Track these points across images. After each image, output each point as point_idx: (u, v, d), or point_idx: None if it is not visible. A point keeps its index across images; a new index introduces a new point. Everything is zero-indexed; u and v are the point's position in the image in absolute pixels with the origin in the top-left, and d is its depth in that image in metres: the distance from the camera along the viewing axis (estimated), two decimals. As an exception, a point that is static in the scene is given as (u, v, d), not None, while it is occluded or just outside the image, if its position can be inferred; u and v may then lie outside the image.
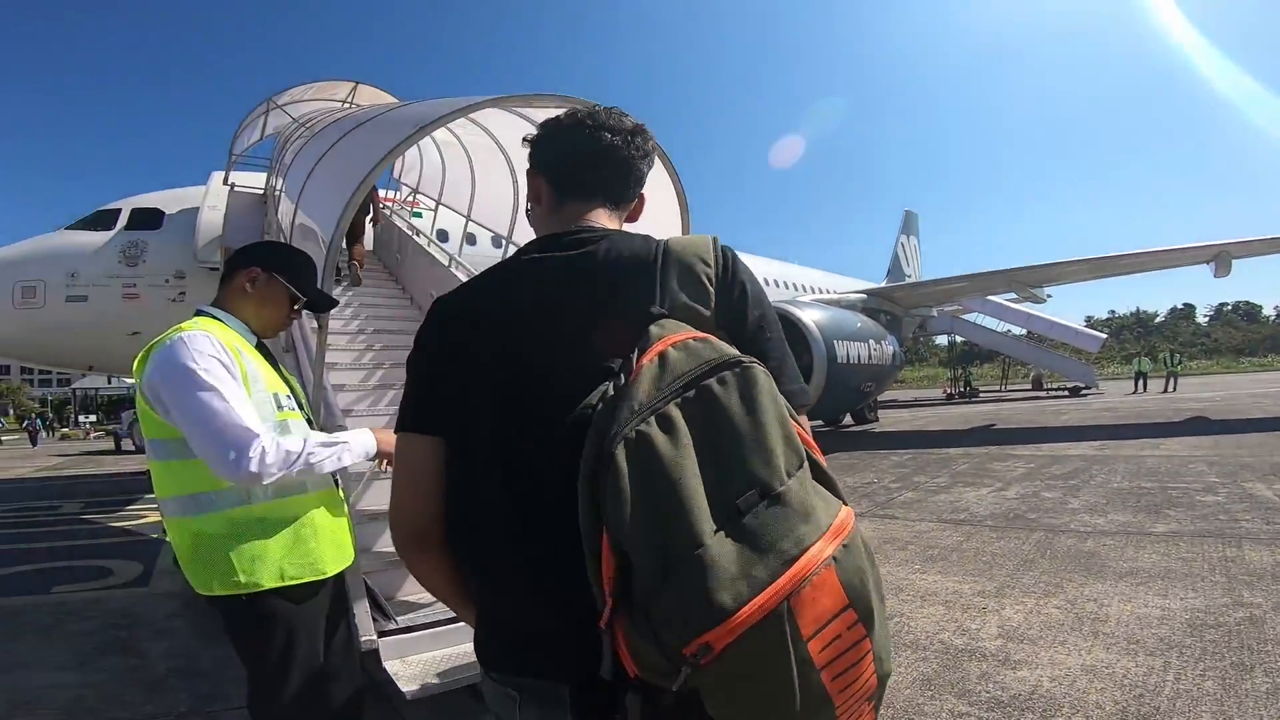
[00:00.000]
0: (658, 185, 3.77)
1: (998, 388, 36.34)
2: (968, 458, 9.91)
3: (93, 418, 40.40)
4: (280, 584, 1.67)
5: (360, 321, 6.15)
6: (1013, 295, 19.26)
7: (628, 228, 1.08)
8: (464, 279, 4.99)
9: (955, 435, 13.62)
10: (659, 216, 3.89)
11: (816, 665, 0.68)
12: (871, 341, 12.53)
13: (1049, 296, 17.80)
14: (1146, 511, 5.60)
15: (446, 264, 6.55)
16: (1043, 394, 29.02)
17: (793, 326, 11.21)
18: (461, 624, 2.90)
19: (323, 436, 1.75)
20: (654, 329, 0.83)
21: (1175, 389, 25.47)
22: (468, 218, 6.60)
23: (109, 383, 33.93)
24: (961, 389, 33.44)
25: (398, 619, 2.89)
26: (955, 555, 4.71)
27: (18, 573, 5.45)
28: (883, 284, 24.60)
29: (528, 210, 1.13)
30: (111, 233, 8.75)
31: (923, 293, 18.38)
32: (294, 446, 1.64)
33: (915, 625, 3.44)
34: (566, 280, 0.93)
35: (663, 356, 0.78)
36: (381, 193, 10.16)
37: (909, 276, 29.01)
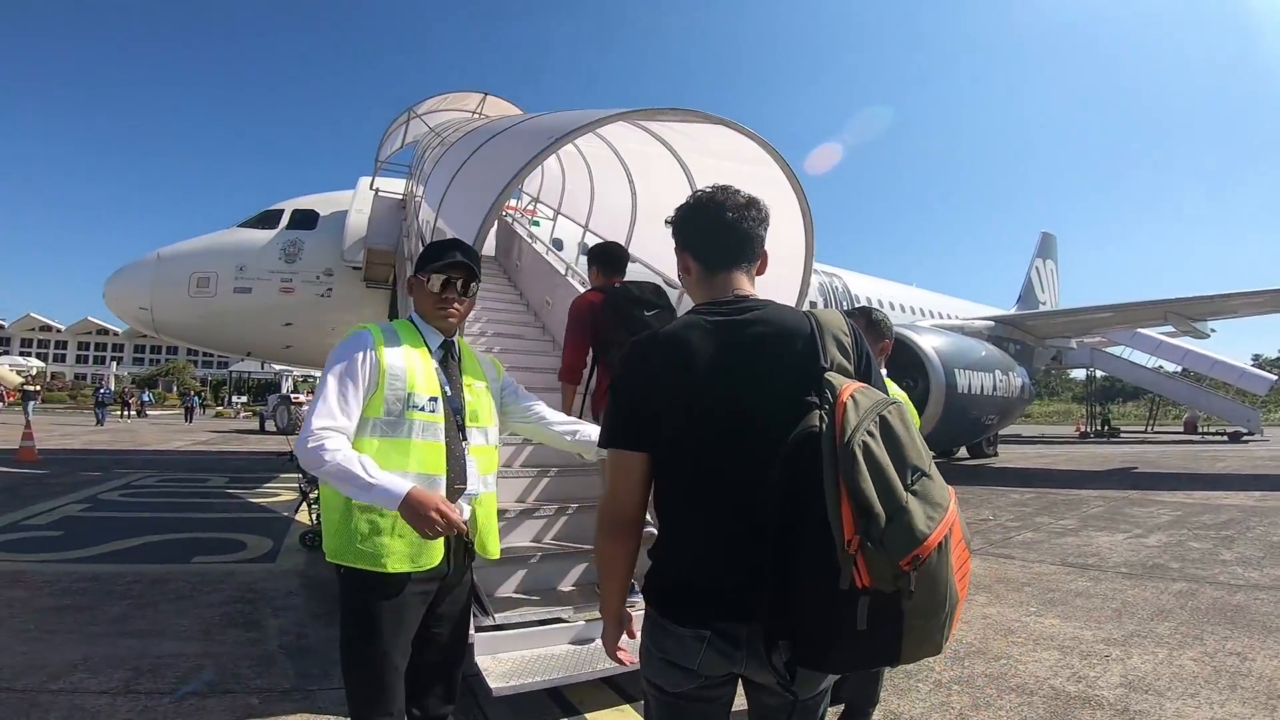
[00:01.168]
0: (785, 215, 3.92)
1: (1143, 429, 32.84)
2: (1103, 500, 9.13)
3: (244, 399, 44.89)
4: (358, 565, 1.84)
5: (481, 324, 6.65)
6: (1168, 328, 17.44)
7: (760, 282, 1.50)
8: (578, 286, 5.14)
9: (1088, 476, 12.54)
10: (788, 238, 4.04)
11: (954, 569, 1.12)
12: (997, 372, 11.86)
13: (1213, 331, 15.94)
14: (1316, 570, 5.00)
15: (563, 272, 6.86)
16: (1196, 438, 25.97)
17: (909, 351, 10.83)
18: (554, 626, 3.09)
19: (354, 460, 1.77)
20: (831, 378, 1.26)
21: None
22: (585, 228, 6.95)
23: (261, 368, 37.40)
24: (1099, 427, 30.49)
25: (495, 615, 3.02)
26: (1079, 600, 4.42)
27: (167, 540, 5.90)
28: (1013, 311, 23.03)
29: (681, 277, 1.53)
30: (274, 231, 9.70)
31: (1059, 322, 17.04)
32: (324, 451, 1.75)
33: (1024, 669, 3.28)
34: (755, 342, 1.34)
35: (853, 397, 1.20)
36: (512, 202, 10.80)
37: (1043, 304, 26.92)
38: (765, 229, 1.47)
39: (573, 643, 3.08)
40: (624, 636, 1.49)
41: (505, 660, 2.88)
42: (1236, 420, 23.76)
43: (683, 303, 4.63)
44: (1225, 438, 24.24)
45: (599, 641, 1.59)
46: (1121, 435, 29.43)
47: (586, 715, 2.90)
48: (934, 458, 1.27)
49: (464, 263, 2.05)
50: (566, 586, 3.72)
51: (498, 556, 2.12)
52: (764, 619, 1.22)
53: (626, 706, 2.94)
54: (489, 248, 9.62)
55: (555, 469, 4.33)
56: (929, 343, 11.24)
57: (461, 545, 2.00)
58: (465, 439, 2.01)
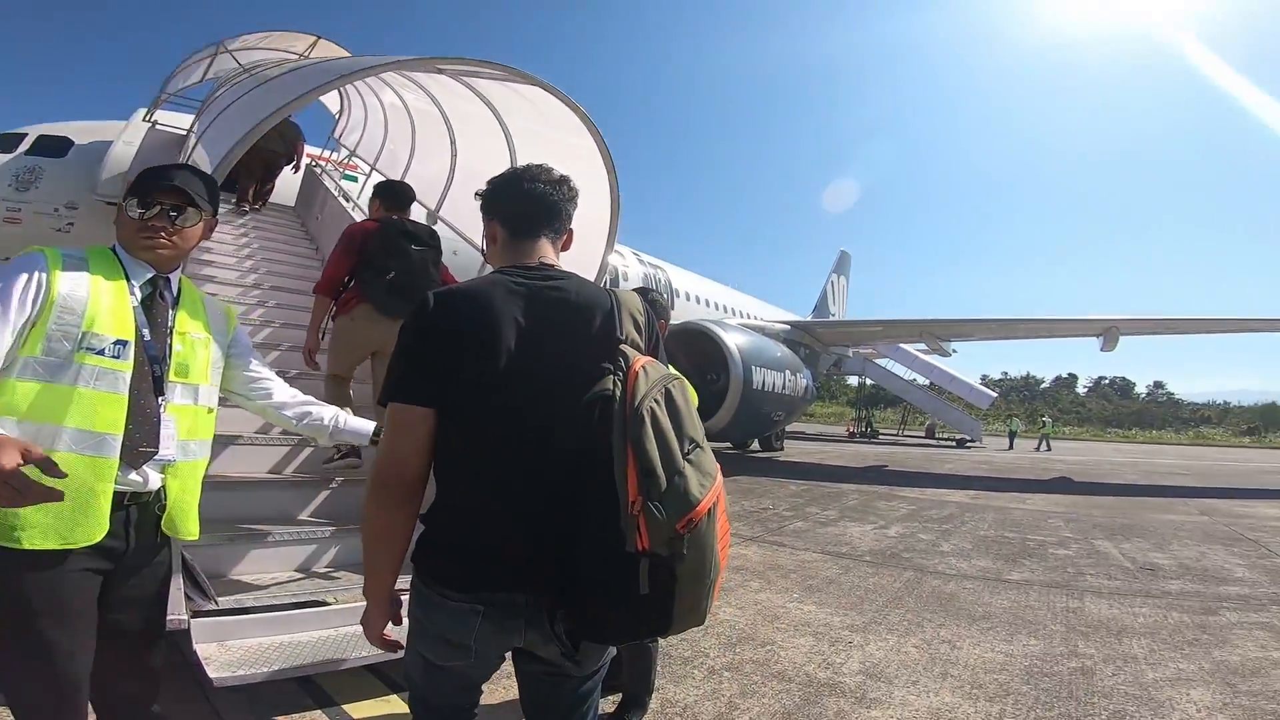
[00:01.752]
0: (595, 191, 3.76)
1: (895, 432, 38.34)
2: (859, 494, 10.39)
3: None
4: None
5: (259, 274, 5.84)
6: (923, 346, 20.41)
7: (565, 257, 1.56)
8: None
9: (851, 472, 14.25)
10: (592, 215, 3.88)
11: (718, 538, 1.24)
12: (788, 372, 12.95)
13: (954, 351, 19.01)
14: (1005, 560, 6.03)
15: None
16: (933, 442, 30.85)
17: (715, 346, 11.44)
18: (306, 610, 2.79)
19: None
20: (625, 350, 1.35)
21: (1049, 449, 27.78)
22: (434, 213, 6.41)
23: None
24: (864, 429, 35.06)
25: (219, 599, 2.68)
26: (832, 587, 4.91)
27: None
28: (807, 318, 25.53)
29: (486, 246, 1.58)
30: (9, 156, 8.08)
31: (842, 331, 19.21)
32: None
33: (785, 655, 3.54)
34: (557, 308, 1.37)
35: (644, 368, 1.29)
36: (317, 151, 9.74)
37: (833, 314, 30.25)
38: (574, 207, 1.53)
39: (328, 628, 2.79)
40: (390, 622, 1.40)
41: (235, 648, 2.55)
42: (964, 429, 28.65)
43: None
44: (954, 443, 29.10)
45: (359, 626, 1.45)
46: (880, 437, 34.09)
47: (344, 706, 2.66)
48: (727, 449, 1.38)
49: (175, 186, 1.69)
50: (323, 566, 3.38)
51: (196, 538, 1.78)
52: (546, 587, 1.26)
53: (392, 696, 2.76)
54: (288, 196, 8.60)
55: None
56: (733, 340, 11.97)
57: (148, 517, 1.65)
58: (162, 394, 1.65)
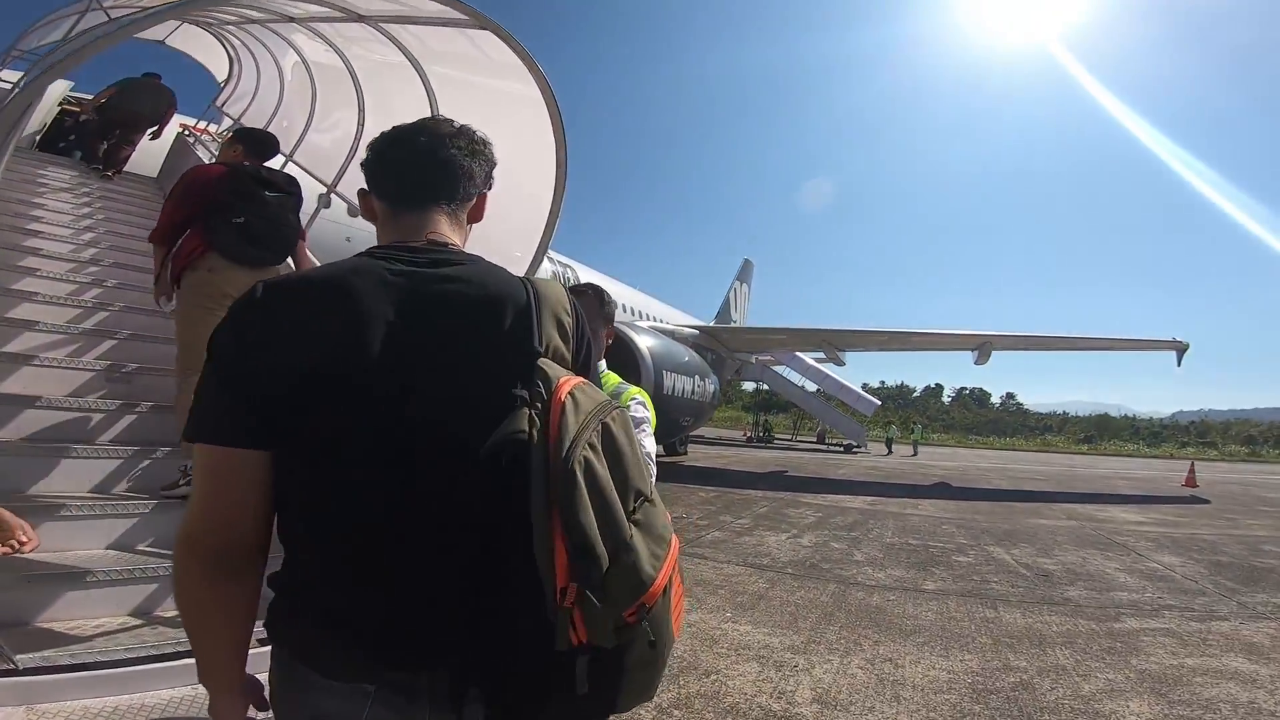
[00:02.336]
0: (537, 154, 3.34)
1: (789, 437, 39.94)
2: (767, 500, 10.53)
3: None
4: None
5: (98, 250, 4.95)
6: (819, 354, 21.25)
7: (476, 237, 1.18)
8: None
9: (755, 477, 14.52)
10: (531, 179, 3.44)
11: (673, 606, 0.94)
12: (697, 377, 12.96)
13: (844, 362, 19.96)
14: (917, 568, 6.20)
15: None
16: (824, 447, 32.37)
17: (627, 349, 11.21)
18: (131, 669, 2.26)
19: None
20: (545, 366, 0.97)
21: (917, 454, 30.27)
22: (288, 157, 5.57)
23: None
24: (760, 434, 36.20)
25: (16, 658, 2.12)
26: (763, 604, 4.78)
27: None
28: (713, 323, 25.95)
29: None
30: None
31: (748, 338, 19.60)
32: None
33: (733, 685, 3.33)
34: (448, 305, 0.98)
35: (572, 396, 0.94)
36: (191, 121, 8.60)
37: (735, 321, 30.98)
38: (481, 164, 1.14)
39: (183, 684, 2.25)
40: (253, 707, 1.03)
41: (51, 713, 2.02)
42: (850, 434, 30.22)
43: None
44: (842, 448, 30.64)
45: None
46: (775, 441, 35.34)
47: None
48: None
49: None
50: (170, 609, 2.72)
51: None
52: (452, 664, 0.92)
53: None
54: (152, 168, 7.44)
55: (166, 448, 3.25)
56: (644, 343, 11.83)
57: None
58: None
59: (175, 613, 2.71)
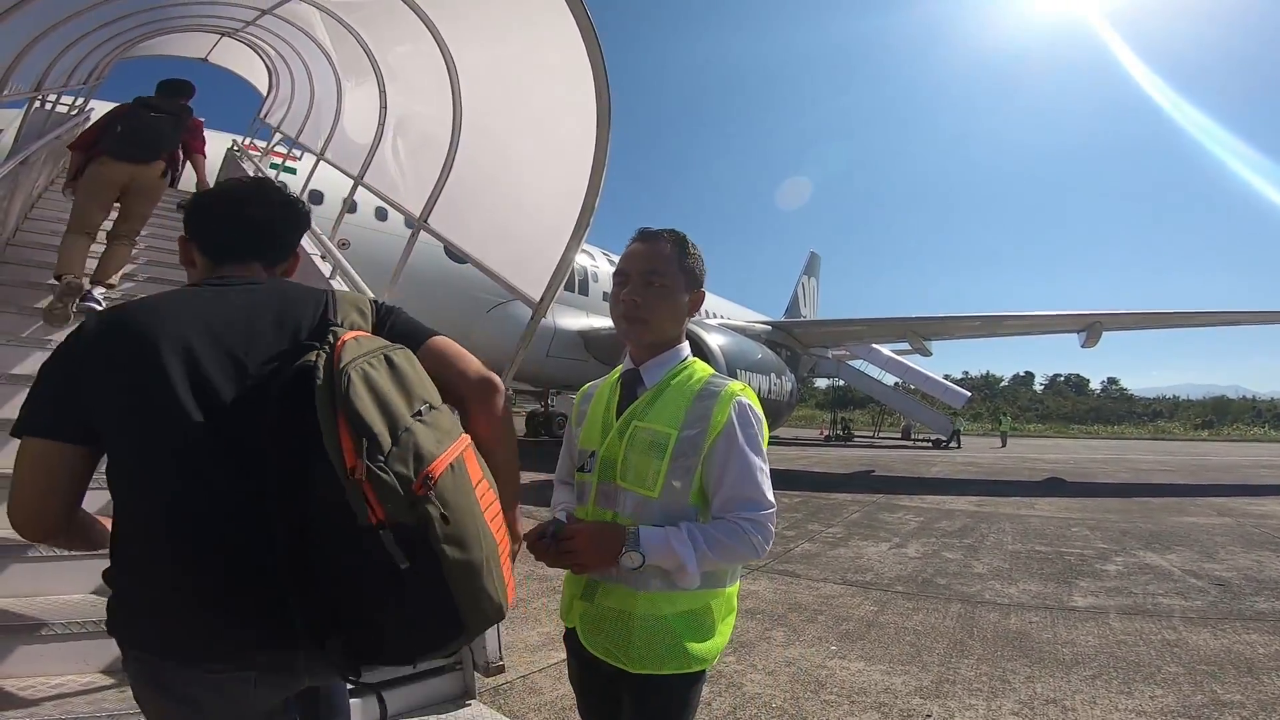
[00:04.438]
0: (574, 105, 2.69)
1: (869, 434, 38.06)
2: (858, 505, 9.55)
3: None
4: None
5: (148, 268, 4.73)
6: (898, 346, 19.85)
7: None
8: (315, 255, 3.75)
9: (840, 479, 13.50)
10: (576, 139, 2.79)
11: (482, 508, 1.07)
12: (773, 375, 12.13)
13: (931, 352, 18.53)
14: (1055, 580, 5.21)
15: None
16: (909, 443, 30.51)
17: (697, 349, 10.52)
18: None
19: None
20: (337, 330, 1.12)
21: (1005, 446, 28.60)
22: (319, 156, 5.22)
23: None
24: (839, 432, 34.60)
25: None
26: (874, 632, 3.98)
27: None
28: (781, 320, 24.88)
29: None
30: None
31: (824, 331, 18.49)
32: None
33: (855, 748, 2.58)
34: (248, 303, 1.17)
35: (357, 339, 1.09)
36: (242, 139, 8.58)
37: (804, 316, 29.72)
38: (298, 234, 1.37)
39: None
40: None
41: None
42: (939, 429, 28.31)
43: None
44: (930, 444, 28.76)
45: None
46: (855, 439, 33.67)
47: None
48: None
49: None
50: None
51: None
52: (304, 616, 1.02)
53: None
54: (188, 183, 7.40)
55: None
56: (715, 341, 11.12)
57: None
58: None
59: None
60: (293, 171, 8.63)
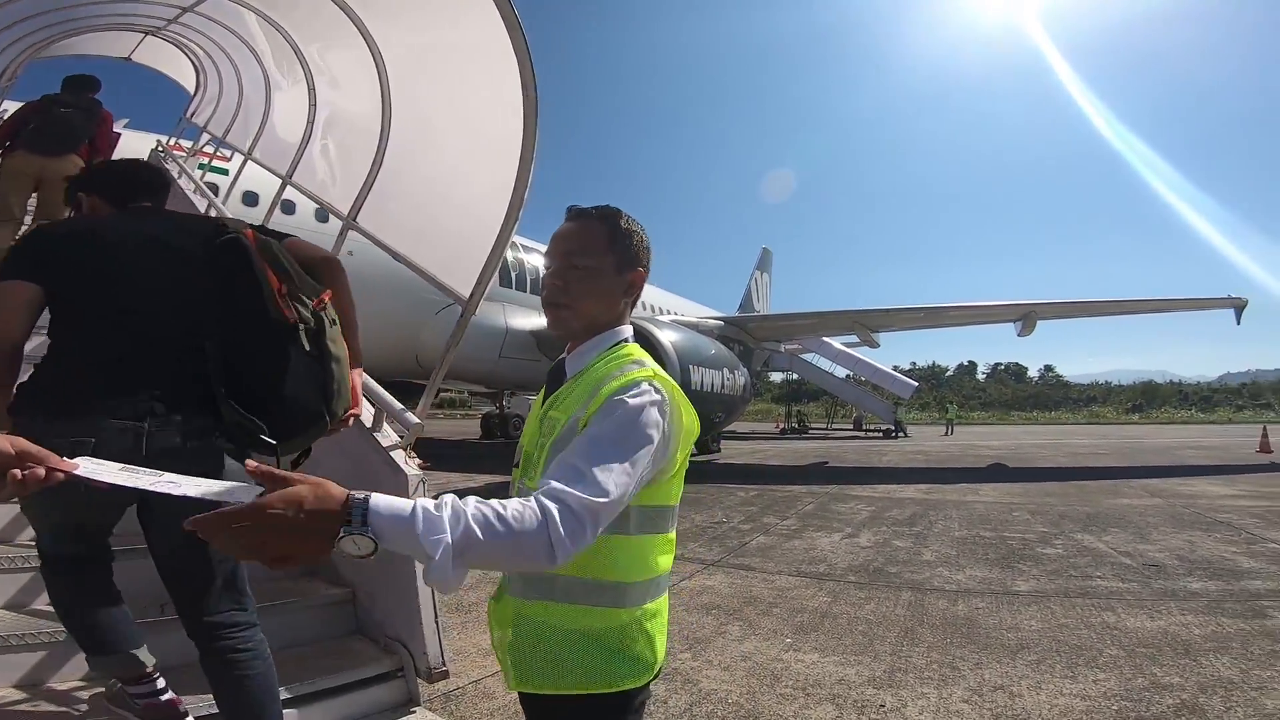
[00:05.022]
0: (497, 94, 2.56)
1: (823, 426, 38.79)
2: (812, 496, 9.68)
3: None
4: None
5: None
6: (848, 339, 20.25)
7: None
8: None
9: (795, 471, 13.67)
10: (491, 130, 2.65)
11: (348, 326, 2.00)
12: (726, 370, 12.17)
13: (879, 344, 18.96)
14: (1000, 565, 5.35)
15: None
16: (861, 434, 31.23)
17: (650, 346, 10.48)
18: None
19: None
20: (240, 224, 1.93)
21: (951, 434, 29.86)
22: (247, 155, 4.96)
23: None
24: (795, 425, 35.17)
25: None
26: (828, 623, 4.00)
27: None
28: (734, 315, 25.09)
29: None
30: None
31: (775, 325, 18.69)
32: None
33: (812, 744, 2.57)
34: (165, 218, 1.95)
35: (252, 232, 1.88)
36: (167, 139, 8.12)
37: (758, 311, 30.05)
38: (166, 190, 2.12)
39: None
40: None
41: None
42: (888, 419, 29.06)
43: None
44: (881, 434, 29.49)
45: None
46: (810, 431, 34.27)
47: None
48: None
49: None
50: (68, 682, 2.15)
51: None
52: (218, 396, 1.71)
53: None
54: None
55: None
56: (667, 337, 11.08)
57: None
58: None
59: (74, 683, 2.11)
60: (224, 172, 8.22)
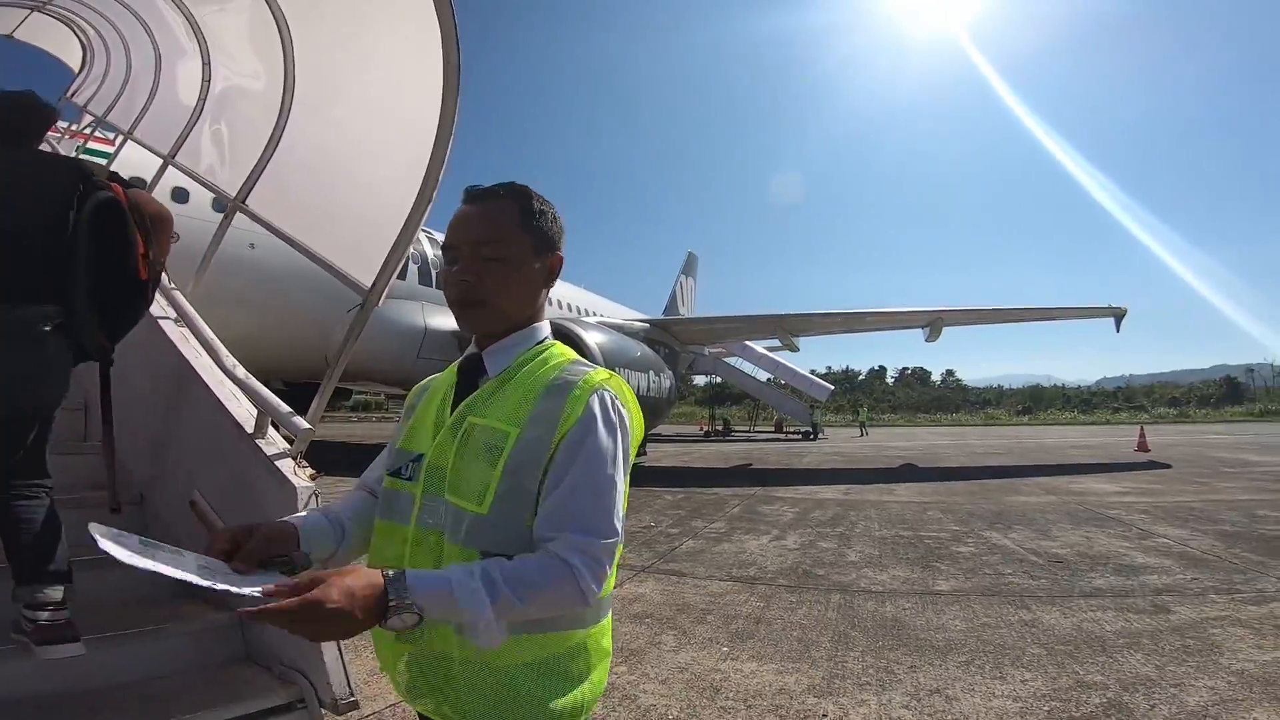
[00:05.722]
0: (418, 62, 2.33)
1: (746, 429, 39.64)
2: (738, 499, 9.77)
3: None
4: None
5: None
6: (771, 343, 20.72)
7: None
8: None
9: (720, 474, 13.82)
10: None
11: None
12: (651, 373, 12.14)
13: (799, 348, 19.52)
14: (920, 565, 5.52)
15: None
16: (782, 436, 32.10)
17: (575, 347, 10.28)
18: None
19: None
20: (109, 183, 2.15)
21: (865, 435, 31.56)
22: (127, 135, 4.45)
23: None
24: (719, 428, 35.73)
25: None
26: (762, 629, 3.97)
27: None
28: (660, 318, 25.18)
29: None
30: None
31: (701, 328, 18.86)
32: None
33: (756, 761, 2.48)
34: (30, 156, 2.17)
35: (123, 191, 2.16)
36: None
37: (683, 314, 30.32)
38: (43, 129, 2.26)
39: None
40: None
41: None
42: (806, 421, 30.01)
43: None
44: (800, 435, 30.40)
45: None
46: (733, 434, 34.91)
47: None
48: None
49: None
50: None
51: None
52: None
53: None
54: None
55: None
56: (593, 339, 10.96)
57: None
58: None
59: None
60: (104, 155, 7.47)
